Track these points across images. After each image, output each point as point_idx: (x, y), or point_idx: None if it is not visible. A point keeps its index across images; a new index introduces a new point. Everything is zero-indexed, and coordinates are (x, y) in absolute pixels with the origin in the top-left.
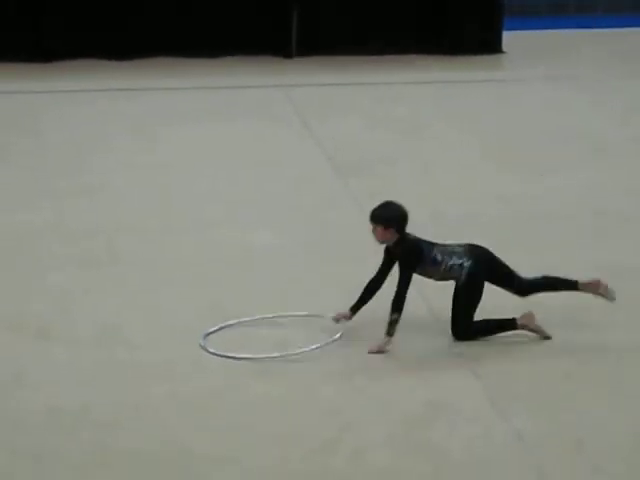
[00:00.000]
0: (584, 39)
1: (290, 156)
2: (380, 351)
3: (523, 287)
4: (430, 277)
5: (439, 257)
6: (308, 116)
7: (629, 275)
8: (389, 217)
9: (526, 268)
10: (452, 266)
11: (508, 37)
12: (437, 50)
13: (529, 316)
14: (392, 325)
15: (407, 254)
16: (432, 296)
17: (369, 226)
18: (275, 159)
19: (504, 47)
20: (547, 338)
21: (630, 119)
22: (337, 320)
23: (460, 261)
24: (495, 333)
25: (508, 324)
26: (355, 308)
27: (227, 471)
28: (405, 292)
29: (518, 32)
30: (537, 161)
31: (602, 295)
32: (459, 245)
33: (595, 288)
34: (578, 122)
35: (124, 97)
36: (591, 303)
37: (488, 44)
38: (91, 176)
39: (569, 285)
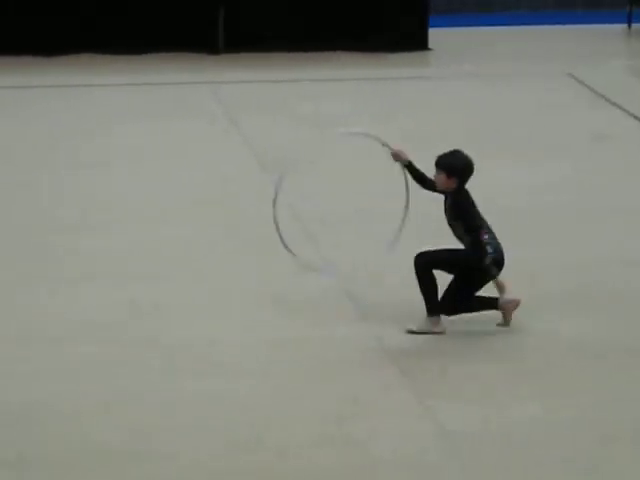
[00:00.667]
0: (509, 36)
1: (217, 153)
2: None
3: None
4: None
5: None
6: (235, 113)
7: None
8: (454, 166)
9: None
10: (483, 243)
11: (434, 34)
12: (364, 47)
13: (514, 304)
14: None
15: (465, 200)
16: (358, 289)
17: (433, 172)
18: (202, 156)
19: (430, 44)
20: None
21: (550, 114)
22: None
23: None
24: (476, 310)
25: (488, 303)
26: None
27: (145, 468)
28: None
29: (444, 29)
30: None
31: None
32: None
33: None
34: (501, 119)
35: (52, 94)
36: (529, 303)
37: (415, 41)
38: (15, 175)
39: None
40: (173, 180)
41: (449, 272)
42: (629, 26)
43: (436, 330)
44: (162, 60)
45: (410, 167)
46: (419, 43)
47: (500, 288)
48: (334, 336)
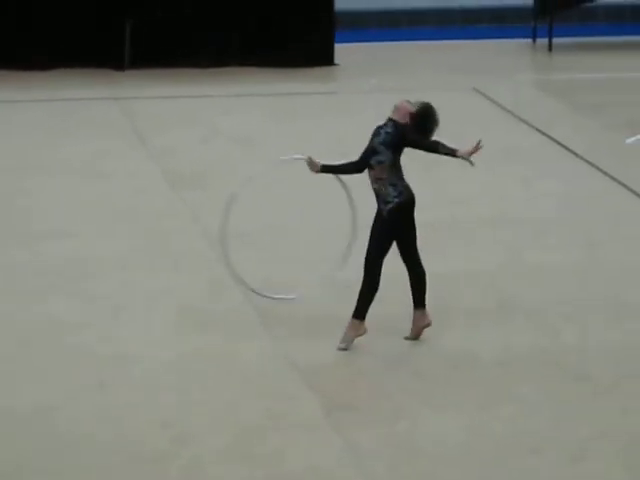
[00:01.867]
0: (416, 51)
1: (125, 169)
2: None
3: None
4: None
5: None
6: (143, 129)
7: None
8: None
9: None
10: (389, 189)
11: (340, 49)
12: (270, 62)
13: (424, 318)
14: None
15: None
16: (268, 304)
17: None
18: (109, 171)
19: (337, 59)
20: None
21: (462, 129)
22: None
23: (395, 193)
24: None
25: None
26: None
27: None
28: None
29: (350, 44)
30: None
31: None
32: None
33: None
34: None
35: None
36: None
37: (321, 56)
38: None
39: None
40: (82, 195)
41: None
42: (534, 41)
43: (360, 332)
44: (69, 76)
45: (326, 169)
46: (325, 58)
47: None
48: (246, 351)
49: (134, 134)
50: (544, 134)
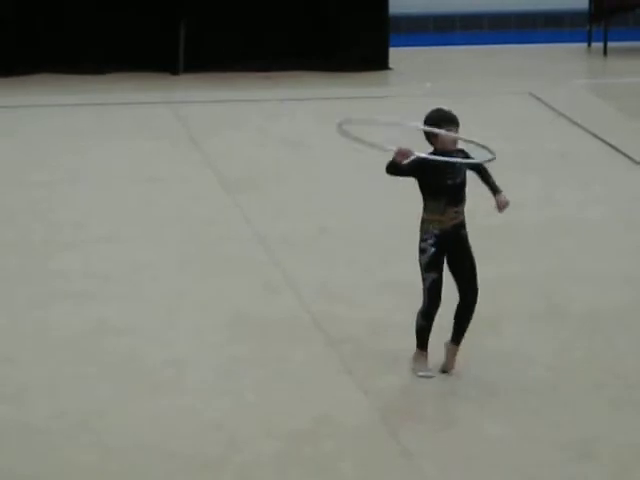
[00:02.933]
0: (471, 55)
1: (178, 173)
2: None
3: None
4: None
5: None
6: (196, 133)
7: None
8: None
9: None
10: None
11: (395, 53)
12: (324, 67)
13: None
14: None
15: None
16: (315, 304)
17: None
18: (164, 176)
19: (391, 64)
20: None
21: (517, 134)
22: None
23: None
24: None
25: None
26: None
27: None
28: None
29: (405, 48)
30: None
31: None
32: None
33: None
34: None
35: (12, 114)
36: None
37: (376, 61)
38: None
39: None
40: (136, 201)
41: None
42: (589, 45)
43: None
44: (123, 80)
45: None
46: (380, 62)
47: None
48: (300, 356)
49: (187, 138)
50: (600, 139)
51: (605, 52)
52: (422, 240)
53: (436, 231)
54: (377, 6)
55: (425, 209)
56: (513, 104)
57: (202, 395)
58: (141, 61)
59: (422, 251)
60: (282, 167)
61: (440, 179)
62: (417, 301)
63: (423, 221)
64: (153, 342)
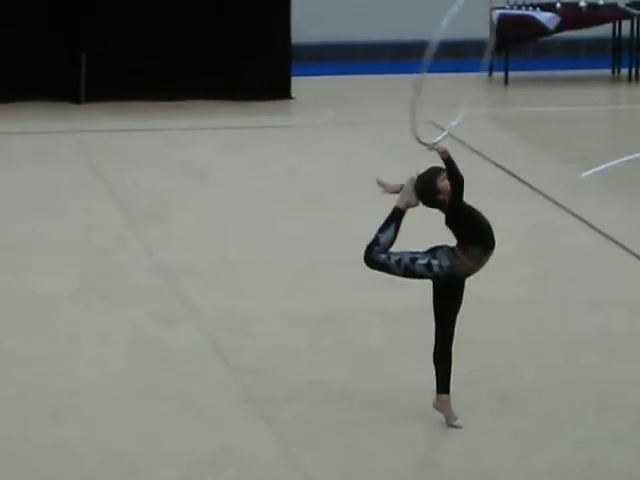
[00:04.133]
0: (373, 84)
1: (80, 204)
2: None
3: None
4: None
5: None
6: (99, 162)
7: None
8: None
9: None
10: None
11: (297, 83)
12: (228, 96)
13: (445, 401)
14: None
15: None
16: (216, 333)
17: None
18: (64, 207)
19: (293, 93)
20: (453, 426)
21: (419, 162)
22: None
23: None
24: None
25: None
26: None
27: None
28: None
29: (307, 78)
30: (326, 205)
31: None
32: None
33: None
34: (367, 168)
35: None
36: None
37: (278, 90)
38: None
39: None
40: (36, 231)
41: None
42: (490, 74)
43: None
44: (22, 109)
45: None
46: (282, 91)
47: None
48: (201, 386)
49: (89, 168)
50: (500, 167)
51: (506, 81)
52: None
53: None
54: (280, 35)
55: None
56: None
57: (103, 425)
58: (42, 90)
59: None
60: (186, 197)
61: None
62: (318, 331)
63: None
64: (53, 372)
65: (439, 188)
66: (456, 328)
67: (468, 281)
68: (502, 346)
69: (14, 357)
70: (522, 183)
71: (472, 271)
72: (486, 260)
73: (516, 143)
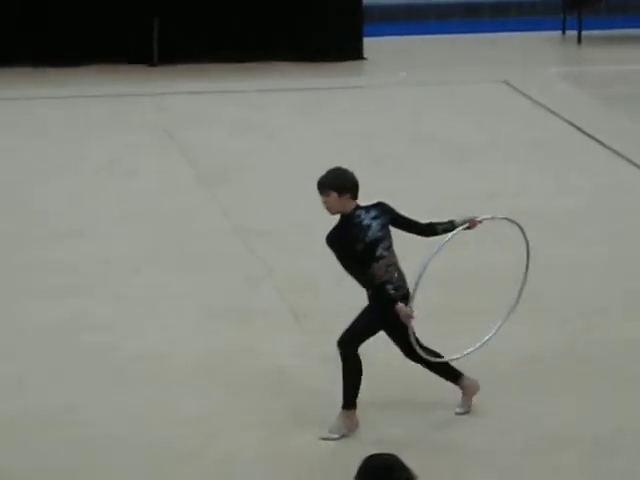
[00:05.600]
0: (445, 45)
1: (155, 165)
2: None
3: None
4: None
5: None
6: (172, 124)
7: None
8: (342, 182)
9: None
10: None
11: (369, 43)
12: (299, 57)
13: (474, 385)
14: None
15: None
16: (301, 301)
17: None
18: (138, 168)
19: (365, 53)
20: (466, 412)
21: (492, 122)
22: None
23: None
24: (434, 369)
25: (453, 375)
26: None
27: None
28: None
29: (379, 38)
30: (399, 164)
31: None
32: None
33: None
34: (439, 126)
35: None
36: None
37: (349, 50)
38: None
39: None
40: (112, 194)
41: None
42: (563, 33)
43: (351, 427)
44: (98, 72)
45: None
46: (354, 52)
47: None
48: (276, 347)
49: (162, 130)
50: (573, 126)
51: (579, 40)
52: None
53: None
54: None
55: None
56: (487, 92)
57: (176, 389)
58: (117, 53)
59: None
60: (259, 158)
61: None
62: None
63: None
64: (128, 336)
65: None
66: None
67: (543, 242)
68: (577, 302)
69: (88, 321)
70: (594, 141)
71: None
72: None
73: (588, 101)
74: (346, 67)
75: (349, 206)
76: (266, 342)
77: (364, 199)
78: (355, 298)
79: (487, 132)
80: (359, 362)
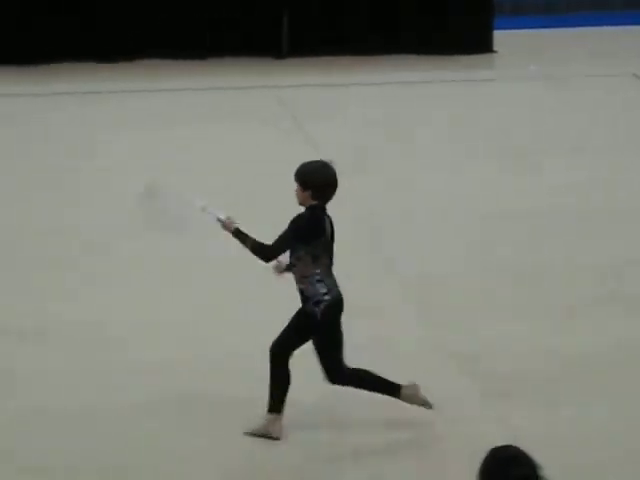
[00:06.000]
0: (573, 37)
1: (280, 158)
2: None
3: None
4: (296, 272)
5: (318, 266)
6: (300, 117)
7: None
8: (308, 177)
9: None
10: (316, 286)
11: (499, 36)
12: (428, 50)
13: (414, 388)
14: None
15: (306, 221)
16: (422, 293)
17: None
18: (266, 161)
19: (495, 46)
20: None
21: (624, 116)
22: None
23: (324, 290)
24: (374, 390)
25: (391, 389)
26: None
27: None
28: (275, 251)
29: (509, 31)
30: (528, 159)
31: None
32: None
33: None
34: (568, 122)
35: (118, 98)
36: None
37: (479, 43)
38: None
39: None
40: (238, 184)
41: (303, 343)
42: None
43: (273, 433)
44: (227, 64)
45: (238, 235)
46: (484, 45)
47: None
48: (404, 338)
49: (290, 122)
50: None
51: None
52: None
53: None
54: None
55: None
56: (617, 86)
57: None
58: (245, 46)
59: None
60: (386, 151)
61: None
62: (518, 283)
63: None
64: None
65: None
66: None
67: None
68: None
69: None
70: None
71: None
72: None
73: None
74: (476, 60)
75: (308, 203)
76: (390, 332)
77: (506, 195)
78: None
79: (619, 126)
80: (286, 369)
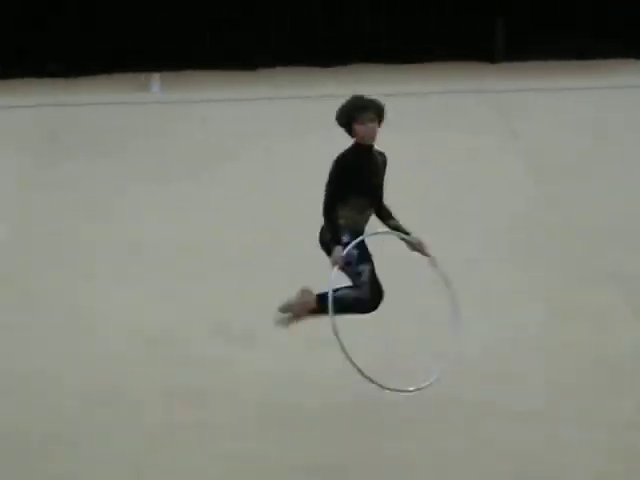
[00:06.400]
0: None
1: (494, 164)
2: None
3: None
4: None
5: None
6: (512, 122)
7: None
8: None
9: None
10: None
11: None
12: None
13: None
14: None
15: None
16: None
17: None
18: (479, 167)
19: None
20: None
21: None
22: None
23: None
24: None
25: None
26: None
27: None
28: None
29: None
30: None
31: None
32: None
33: None
34: None
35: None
36: None
37: None
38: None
39: None
40: (447, 189)
41: None
42: None
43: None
44: (439, 69)
45: None
46: None
47: None
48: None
49: (502, 127)
50: None
51: None
52: None
53: None
54: None
55: None
56: None
57: None
58: (458, 50)
59: None
60: (597, 158)
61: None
62: None
63: None
64: None
65: None
66: None
67: None
68: None
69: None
70: None
71: None
72: None
73: None
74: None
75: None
76: None
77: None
78: None
79: None
80: None
